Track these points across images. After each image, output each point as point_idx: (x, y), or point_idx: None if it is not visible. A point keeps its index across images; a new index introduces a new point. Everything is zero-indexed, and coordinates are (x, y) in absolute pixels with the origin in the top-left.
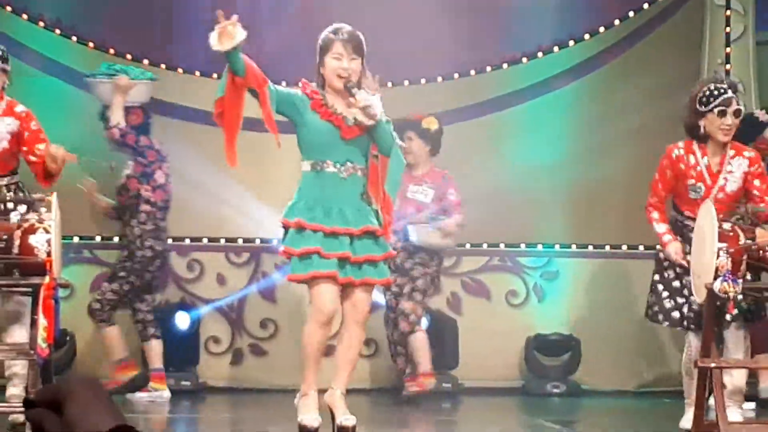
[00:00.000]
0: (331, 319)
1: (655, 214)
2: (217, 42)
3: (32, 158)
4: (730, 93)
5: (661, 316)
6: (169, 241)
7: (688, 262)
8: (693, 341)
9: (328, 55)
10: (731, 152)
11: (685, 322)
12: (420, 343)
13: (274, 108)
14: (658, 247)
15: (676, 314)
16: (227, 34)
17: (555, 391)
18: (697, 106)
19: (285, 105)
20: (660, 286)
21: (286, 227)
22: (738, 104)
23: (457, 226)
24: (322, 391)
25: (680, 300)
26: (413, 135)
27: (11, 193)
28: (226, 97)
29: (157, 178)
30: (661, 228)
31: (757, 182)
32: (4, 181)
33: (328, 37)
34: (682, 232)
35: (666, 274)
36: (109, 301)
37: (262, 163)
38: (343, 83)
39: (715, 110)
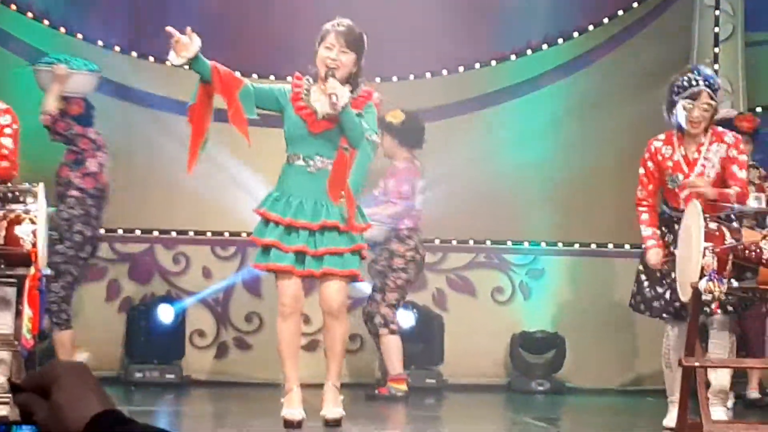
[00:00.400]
0: (295, 312)
1: (645, 216)
2: (174, 57)
3: None
4: (701, 85)
5: (642, 306)
6: (155, 233)
7: (671, 262)
8: (671, 332)
9: (322, 44)
10: (712, 139)
11: (664, 313)
12: (388, 345)
13: (251, 105)
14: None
15: (656, 304)
16: (182, 46)
17: (540, 388)
18: (672, 95)
19: (265, 100)
20: (642, 276)
21: (258, 214)
22: (710, 99)
23: (389, 216)
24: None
25: (660, 289)
26: (381, 130)
27: None
28: (196, 105)
29: (88, 166)
30: (646, 232)
31: (733, 167)
32: None
33: (326, 28)
34: (668, 224)
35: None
36: (63, 299)
37: (249, 156)
38: (324, 71)
39: (683, 101)
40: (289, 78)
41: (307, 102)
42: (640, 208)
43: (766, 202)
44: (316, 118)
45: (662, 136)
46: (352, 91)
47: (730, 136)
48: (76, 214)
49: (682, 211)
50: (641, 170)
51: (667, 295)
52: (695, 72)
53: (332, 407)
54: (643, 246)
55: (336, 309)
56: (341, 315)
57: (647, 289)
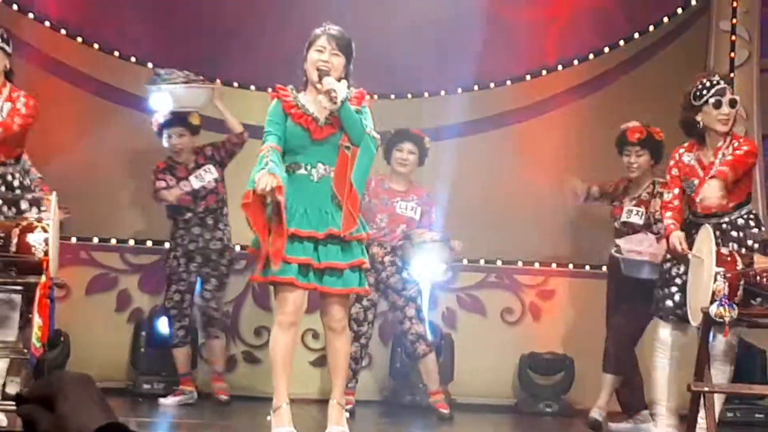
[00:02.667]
0: (294, 323)
1: (668, 213)
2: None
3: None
4: (723, 84)
5: (653, 307)
6: (167, 245)
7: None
8: (662, 332)
9: (312, 48)
10: (733, 143)
11: (672, 315)
12: (433, 364)
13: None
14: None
15: (668, 303)
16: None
17: (547, 410)
18: (692, 101)
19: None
20: (658, 281)
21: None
22: (732, 94)
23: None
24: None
25: (673, 289)
26: (414, 149)
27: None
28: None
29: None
30: (667, 220)
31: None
32: (10, 168)
33: (315, 32)
34: (688, 230)
35: (664, 266)
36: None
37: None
38: (317, 74)
39: (710, 101)
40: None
41: (304, 109)
42: (665, 210)
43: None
44: (317, 125)
45: (686, 144)
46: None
47: (747, 142)
48: None
49: (701, 216)
50: (668, 177)
51: (677, 297)
52: (712, 75)
53: (340, 426)
54: (667, 231)
55: (337, 323)
56: (344, 330)
57: (658, 289)
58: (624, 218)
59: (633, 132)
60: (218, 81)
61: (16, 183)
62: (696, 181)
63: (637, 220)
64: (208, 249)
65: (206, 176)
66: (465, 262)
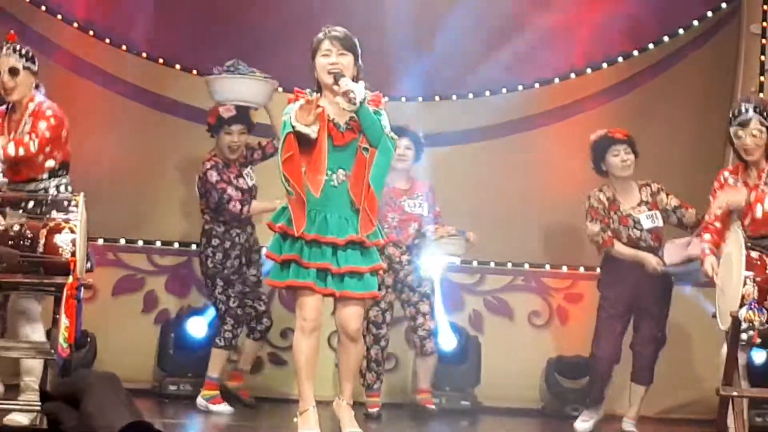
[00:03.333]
0: (315, 328)
1: (707, 236)
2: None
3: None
4: (750, 113)
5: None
6: (193, 246)
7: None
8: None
9: (318, 54)
10: None
11: None
12: (434, 364)
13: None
14: None
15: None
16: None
17: (574, 414)
18: (729, 125)
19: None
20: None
21: (272, 230)
22: (760, 125)
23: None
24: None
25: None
26: (411, 144)
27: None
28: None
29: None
30: (704, 243)
31: None
32: (42, 184)
33: (317, 38)
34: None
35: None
36: None
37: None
38: (332, 76)
39: (733, 128)
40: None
41: (326, 117)
42: (704, 231)
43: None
44: (339, 130)
45: (731, 167)
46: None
47: None
48: None
49: (752, 237)
50: (711, 199)
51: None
52: (745, 100)
53: (354, 426)
54: (702, 257)
55: (354, 331)
56: (358, 336)
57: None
58: (646, 226)
59: (614, 131)
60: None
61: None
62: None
63: (659, 223)
64: (253, 249)
65: (253, 175)
66: (492, 264)
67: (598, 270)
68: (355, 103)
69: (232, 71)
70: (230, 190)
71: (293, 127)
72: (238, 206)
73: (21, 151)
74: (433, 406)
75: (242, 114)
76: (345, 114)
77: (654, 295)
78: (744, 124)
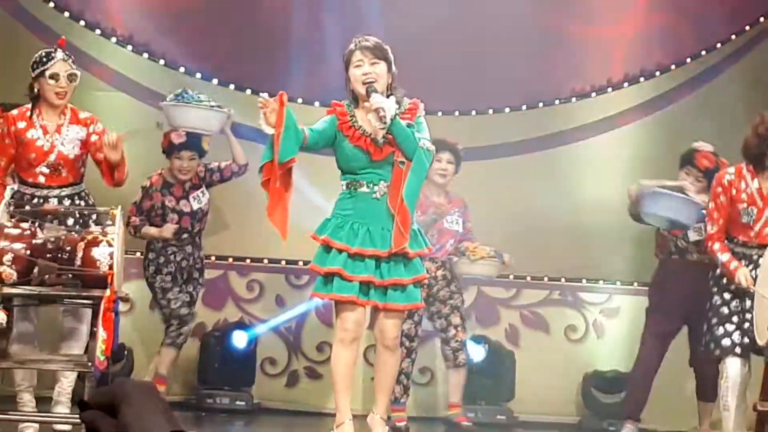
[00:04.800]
0: (355, 339)
1: (717, 245)
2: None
3: (99, 156)
4: None
5: (712, 345)
6: (230, 260)
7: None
8: (730, 370)
9: (351, 66)
10: None
11: (737, 349)
12: (464, 377)
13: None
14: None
15: (726, 341)
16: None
17: (611, 429)
18: (765, 137)
19: (323, 141)
20: (710, 313)
21: (316, 242)
22: None
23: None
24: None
25: (730, 327)
26: (452, 158)
27: (81, 202)
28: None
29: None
30: (724, 257)
31: None
32: (77, 188)
33: (349, 49)
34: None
35: (714, 300)
36: None
37: (326, 183)
38: (363, 89)
39: None
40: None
41: (362, 130)
42: (710, 241)
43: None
44: (377, 145)
45: (732, 170)
46: (398, 104)
47: None
48: None
49: (752, 245)
50: (711, 205)
51: (736, 336)
52: None
53: None
54: (726, 274)
55: (392, 341)
56: (396, 347)
57: (716, 327)
58: (692, 239)
59: (702, 158)
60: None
61: (83, 203)
62: (755, 210)
63: (702, 237)
64: (194, 268)
65: (203, 198)
66: (528, 279)
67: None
68: (385, 122)
69: (182, 99)
70: (137, 221)
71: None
72: (161, 234)
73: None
74: (468, 423)
75: (192, 141)
76: (375, 121)
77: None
78: None
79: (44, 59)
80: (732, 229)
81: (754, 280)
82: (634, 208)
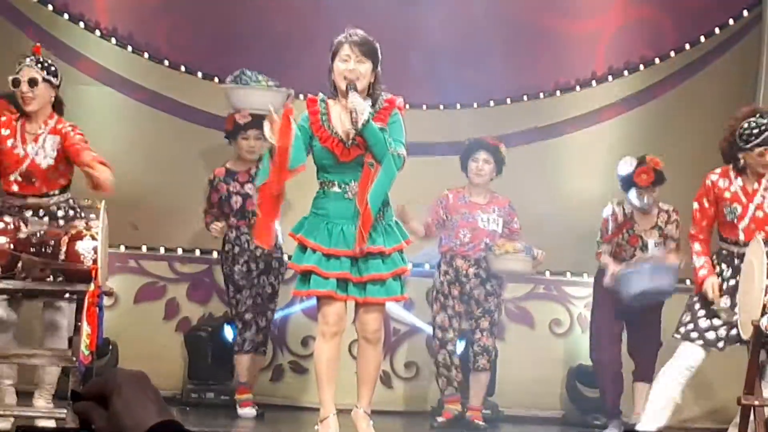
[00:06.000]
0: (336, 333)
1: (697, 246)
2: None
3: (86, 169)
4: None
5: (695, 334)
6: (215, 254)
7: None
8: (686, 351)
9: (336, 58)
10: None
11: (720, 344)
12: (486, 381)
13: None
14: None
15: (711, 335)
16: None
17: (596, 422)
18: (738, 141)
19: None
20: (697, 305)
21: (293, 240)
22: None
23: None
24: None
25: (717, 322)
26: (489, 158)
27: (61, 211)
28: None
29: None
30: (698, 261)
31: None
32: (53, 199)
33: (338, 40)
34: (728, 260)
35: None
36: None
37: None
38: (345, 84)
39: (756, 150)
40: None
41: (332, 131)
42: (692, 240)
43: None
44: (345, 146)
45: (718, 170)
46: (373, 103)
47: None
48: None
49: (741, 244)
50: (695, 205)
51: (722, 331)
52: (760, 115)
53: None
54: (697, 274)
55: (373, 335)
56: (378, 341)
57: (702, 319)
58: (650, 252)
59: (640, 174)
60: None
61: (60, 213)
62: (739, 208)
63: (662, 253)
64: (270, 256)
65: None
66: None
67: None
68: (356, 127)
69: (241, 80)
70: (210, 221)
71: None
72: (212, 231)
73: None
74: (482, 422)
75: (257, 120)
76: (348, 123)
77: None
78: (767, 143)
79: (17, 67)
80: (721, 228)
81: (735, 287)
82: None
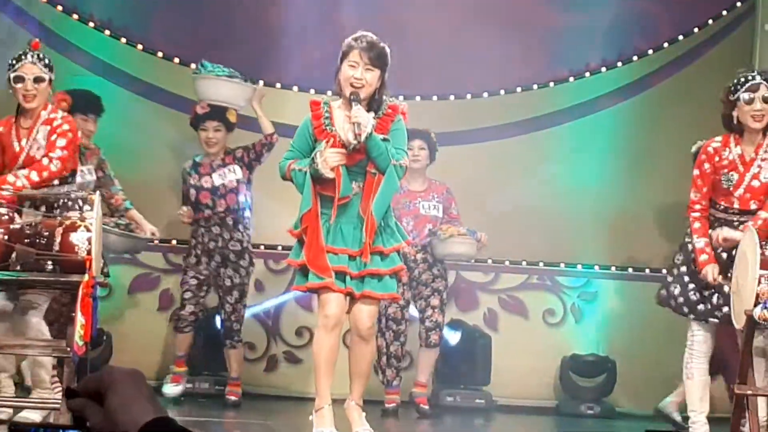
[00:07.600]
0: (336, 325)
1: (697, 224)
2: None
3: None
4: (758, 79)
5: (686, 308)
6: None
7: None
8: (697, 336)
9: (345, 62)
10: None
11: (710, 317)
12: (435, 358)
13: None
14: (686, 238)
15: (701, 307)
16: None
17: (589, 412)
18: (729, 97)
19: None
20: (686, 278)
21: (292, 236)
22: (766, 90)
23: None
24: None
25: (707, 293)
26: (423, 144)
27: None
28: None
29: None
30: (699, 243)
31: None
32: (55, 189)
33: (349, 43)
34: (714, 226)
35: (694, 267)
36: None
37: None
38: (348, 92)
39: (743, 96)
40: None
41: (332, 131)
42: (693, 214)
43: None
44: (347, 151)
45: (719, 139)
46: (377, 110)
47: None
48: None
49: (733, 211)
50: (696, 172)
51: (714, 300)
52: (750, 70)
53: (364, 426)
54: (698, 258)
55: (366, 332)
56: (370, 337)
57: (692, 292)
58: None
59: None
60: (261, 83)
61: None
62: (735, 176)
63: None
64: (227, 249)
65: (228, 175)
66: (507, 263)
67: None
68: (359, 140)
69: (206, 71)
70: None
71: (316, 171)
72: (181, 219)
73: (45, 175)
74: (427, 407)
75: (215, 112)
76: (350, 134)
77: None
78: (754, 89)
79: (14, 62)
80: (715, 194)
81: (731, 261)
82: None
